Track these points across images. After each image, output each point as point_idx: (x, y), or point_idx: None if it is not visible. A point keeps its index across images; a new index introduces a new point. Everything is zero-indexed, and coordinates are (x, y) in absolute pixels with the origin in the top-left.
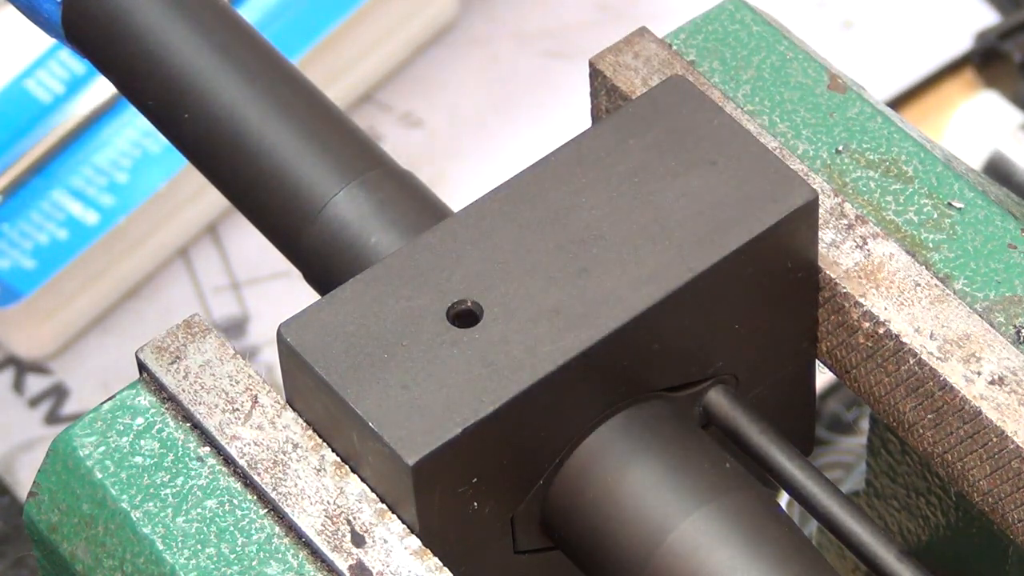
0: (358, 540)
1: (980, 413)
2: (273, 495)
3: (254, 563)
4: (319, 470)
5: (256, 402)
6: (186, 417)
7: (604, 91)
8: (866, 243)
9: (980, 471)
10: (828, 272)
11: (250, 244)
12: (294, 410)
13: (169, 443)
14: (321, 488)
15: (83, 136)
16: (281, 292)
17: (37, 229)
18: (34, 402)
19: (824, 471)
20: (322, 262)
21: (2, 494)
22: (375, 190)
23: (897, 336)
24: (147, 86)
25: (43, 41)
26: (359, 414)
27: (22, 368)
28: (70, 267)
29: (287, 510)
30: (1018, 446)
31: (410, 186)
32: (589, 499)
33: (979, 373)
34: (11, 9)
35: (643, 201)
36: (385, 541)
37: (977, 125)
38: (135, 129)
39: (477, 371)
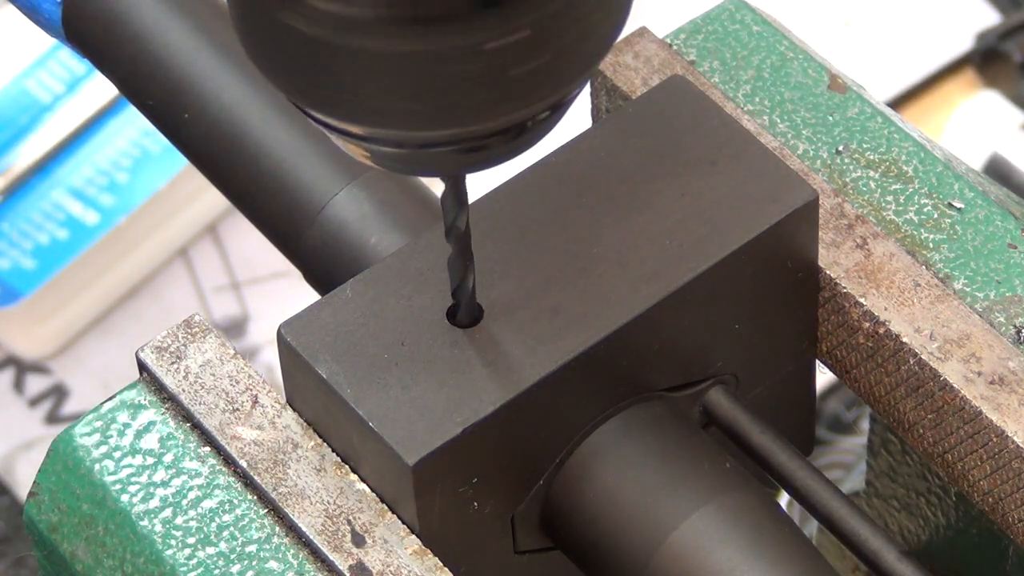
0: (358, 540)
1: (980, 413)
2: (273, 495)
3: (254, 563)
4: (319, 470)
5: (256, 402)
6: (186, 417)
7: (604, 91)
8: (866, 243)
9: (980, 471)
10: (828, 272)
11: (250, 244)
12: (294, 410)
13: (169, 443)
14: (321, 488)
15: (83, 136)
16: (281, 292)
17: (37, 229)
18: (34, 402)
19: (824, 471)
20: (322, 262)
21: (2, 494)
22: (375, 190)
23: (897, 336)
24: (147, 86)
25: (43, 41)
26: (359, 414)
27: (22, 368)
28: (70, 267)
29: (287, 510)
30: (1018, 446)
31: (410, 186)
32: (589, 499)
33: (979, 373)
34: (11, 9)
35: (643, 201)
36: (385, 541)
37: (977, 125)
38: (135, 129)
39: (477, 371)
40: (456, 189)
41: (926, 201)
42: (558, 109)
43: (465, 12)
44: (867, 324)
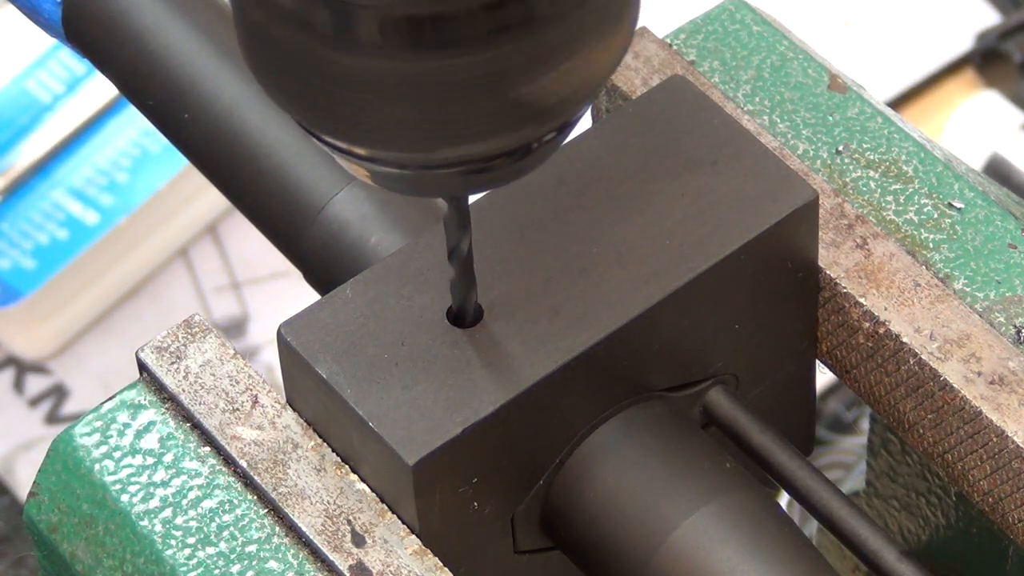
0: (358, 540)
1: (980, 413)
2: (273, 495)
3: (254, 563)
4: (319, 470)
5: (256, 402)
6: (186, 417)
7: (604, 91)
8: (866, 243)
9: (980, 471)
10: (828, 272)
11: (250, 244)
12: (294, 410)
13: (169, 443)
14: (321, 488)
15: (83, 136)
16: (281, 292)
17: (37, 229)
18: (34, 402)
19: (824, 471)
20: (322, 262)
21: (2, 494)
22: (375, 190)
23: (897, 336)
24: (147, 86)
25: (43, 41)
26: (359, 414)
27: (22, 368)
28: (70, 267)
29: (287, 510)
30: (1018, 446)
31: None
32: (589, 499)
33: (979, 373)
34: (11, 9)
35: (643, 201)
36: (385, 541)
37: (977, 125)
38: (135, 129)
39: (477, 371)
40: (459, 212)
41: (926, 201)
42: (564, 129)
43: (472, 36)
44: (867, 324)
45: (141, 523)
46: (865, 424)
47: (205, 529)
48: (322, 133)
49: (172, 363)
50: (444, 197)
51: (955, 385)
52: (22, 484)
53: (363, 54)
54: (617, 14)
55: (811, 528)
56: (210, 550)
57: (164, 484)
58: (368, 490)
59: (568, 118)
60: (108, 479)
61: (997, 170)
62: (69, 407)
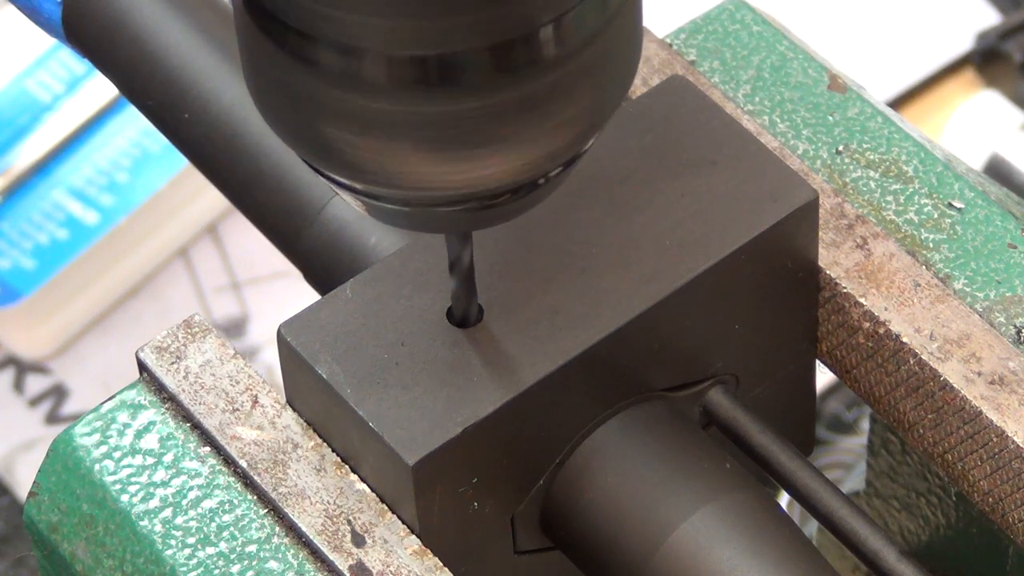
0: (358, 540)
1: (980, 413)
2: (273, 495)
3: (254, 563)
4: (319, 470)
5: (256, 402)
6: (186, 417)
7: None
8: (866, 243)
9: (980, 471)
10: (828, 272)
11: (250, 244)
12: (294, 410)
13: (169, 443)
14: (321, 488)
15: (83, 136)
16: (281, 292)
17: (37, 229)
18: (34, 402)
19: (824, 471)
20: (322, 262)
21: (2, 494)
22: None
23: (897, 336)
24: (147, 86)
25: (43, 41)
26: (359, 414)
27: (22, 368)
28: (70, 267)
29: (287, 510)
30: (1018, 446)
31: None
32: (589, 499)
33: (979, 373)
34: (11, 9)
35: (643, 201)
36: (385, 541)
37: (977, 125)
38: (135, 129)
39: (477, 371)
40: None
41: (926, 201)
42: (571, 164)
43: (478, 78)
44: (867, 324)
45: (141, 523)
46: (865, 424)
47: (205, 529)
48: (326, 169)
49: (172, 363)
50: (448, 233)
51: (955, 385)
52: (22, 484)
53: (368, 94)
54: (625, 50)
55: (811, 528)
56: (210, 550)
57: (164, 484)
58: (368, 490)
59: (573, 154)
60: (108, 479)
61: (997, 170)
62: (69, 407)
